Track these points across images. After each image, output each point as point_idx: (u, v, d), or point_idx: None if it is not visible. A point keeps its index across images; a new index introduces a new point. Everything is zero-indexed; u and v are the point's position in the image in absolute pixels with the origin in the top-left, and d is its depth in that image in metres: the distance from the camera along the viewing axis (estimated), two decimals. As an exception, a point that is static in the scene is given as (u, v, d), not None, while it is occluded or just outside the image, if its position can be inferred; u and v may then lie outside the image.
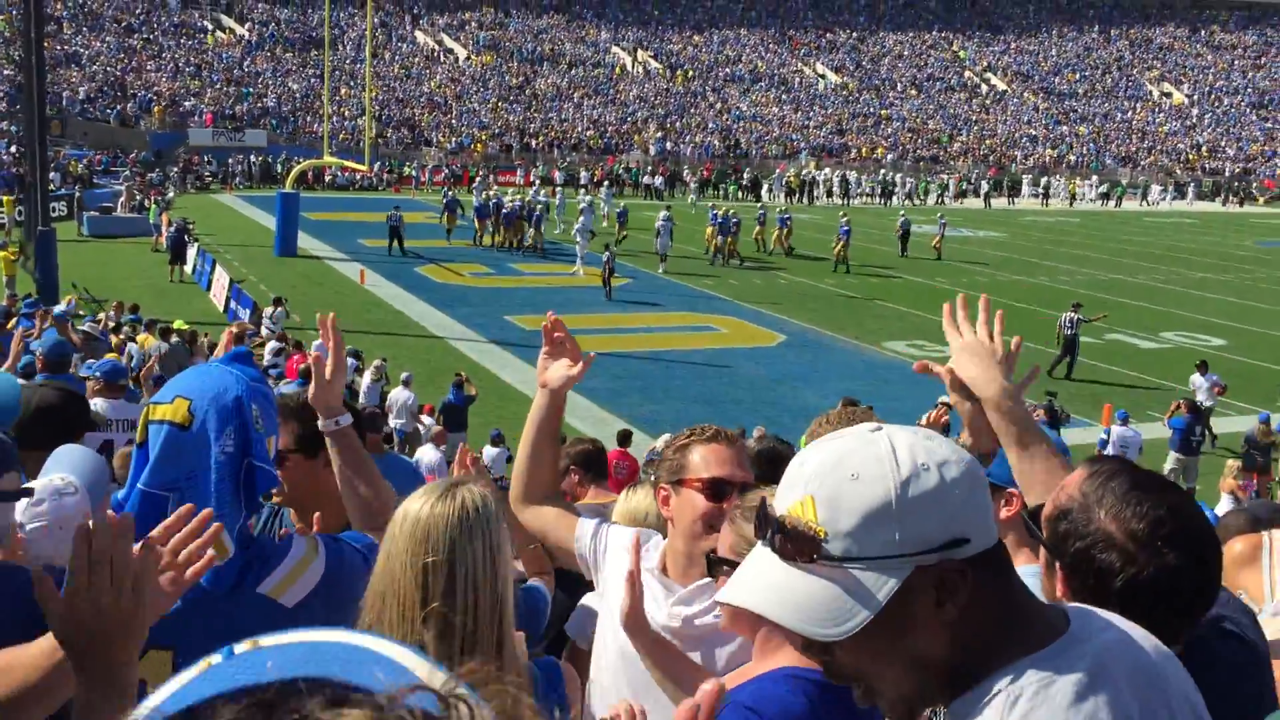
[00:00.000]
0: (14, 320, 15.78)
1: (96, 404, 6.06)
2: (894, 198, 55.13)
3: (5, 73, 46.42)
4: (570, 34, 71.88)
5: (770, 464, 3.56)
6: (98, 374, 6.55)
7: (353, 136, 51.35)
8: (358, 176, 45.63)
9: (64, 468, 2.32)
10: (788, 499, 1.27)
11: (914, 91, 74.05)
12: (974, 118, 71.90)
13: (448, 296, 26.63)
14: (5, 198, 33.20)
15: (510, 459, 13.74)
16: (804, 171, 56.97)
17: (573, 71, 67.44)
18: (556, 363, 2.79)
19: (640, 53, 72.01)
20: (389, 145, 53.63)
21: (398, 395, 15.57)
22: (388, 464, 4.75)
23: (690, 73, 70.57)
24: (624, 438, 13.33)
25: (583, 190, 43.20)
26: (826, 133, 66.27)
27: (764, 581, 1.27)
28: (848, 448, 1.26)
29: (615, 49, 71.79)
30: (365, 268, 28.64)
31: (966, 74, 77.79)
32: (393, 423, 14.36)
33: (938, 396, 18.55)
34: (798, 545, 1.24)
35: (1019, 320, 25.94)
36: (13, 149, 37.58)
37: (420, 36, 67.02)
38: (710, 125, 64.41)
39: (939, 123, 70.09)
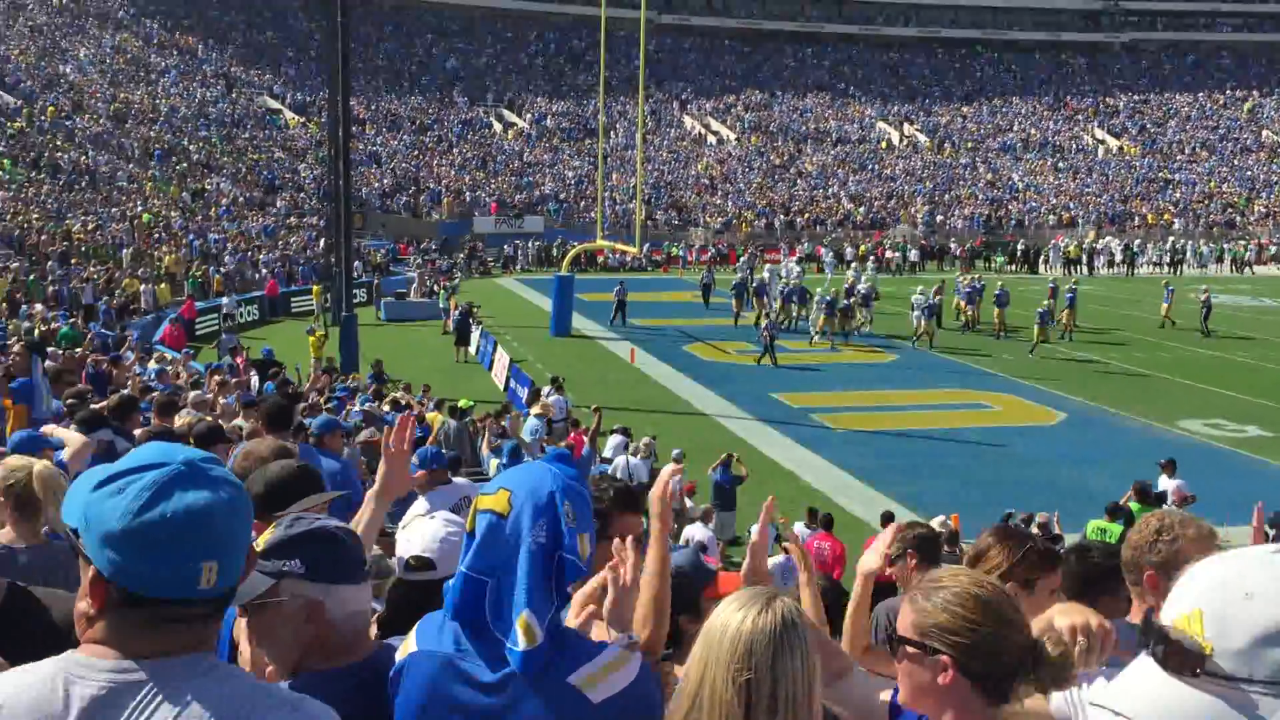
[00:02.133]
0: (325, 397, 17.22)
1: (422, 502, 6.37)
2: (1182, 266, 51.82)
3: (315, 172, 51.09)
4: (835, 111, 72.15)
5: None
6: (421, 464, 6.85)
7: (623, 219, 53.26)
8: (628, 258, 47.16)
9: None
10: (1175, 610, 1.28)
11: (1204, 153, 69.71)
12: (1276, 179, 66.81)
13: (714, 374, 26.96)
14: (315, 286, 36.32)
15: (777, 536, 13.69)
16: (1085, 241, 54.47)
17: (838, 148, 67.56)
18: None
19: (907, 126, 71.33)
20: (658, 227, 55.25)
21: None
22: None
23: (959, 144, 69.26)
24: (887, 519, 13.01)
25: (852, 265, 43.16)
26: (1108, 200, 63.27)
27: (1143, 689, 1.27)
28: (1244, 566, 1.26)
29: (881, 124, 71.44)
30: (635, 346, 29.44)
31: (1265, 133, 72.54)
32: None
33: (1239, 482, 17.19)
34: (1182, 658, 1.24)
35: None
36: (321, 241, 41.21)
37: (688, 121, 69.01)
38: (980, 197, 62.82)
39: (1234, 186, 65.57)
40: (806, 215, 58.95)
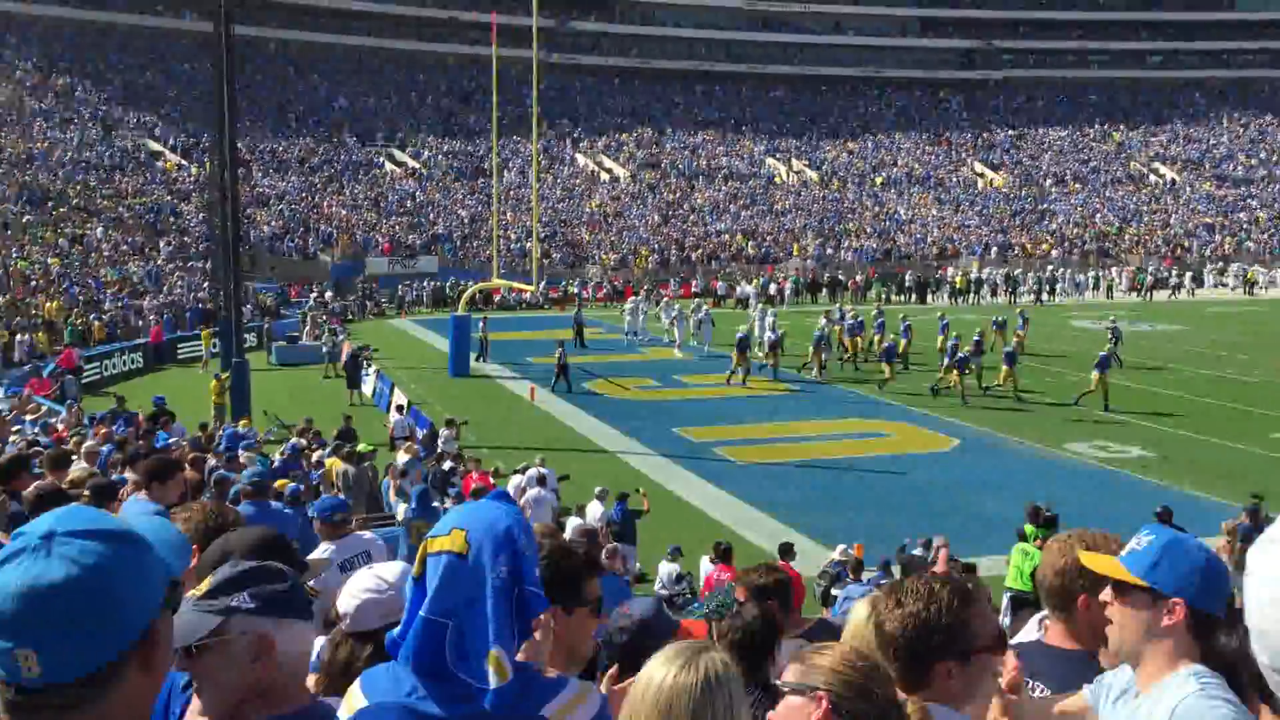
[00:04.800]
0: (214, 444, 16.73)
1: (322, 550, 6.25)
2: (1055, 293, 53.96)
3: (200, 215, 49.95)
4: (725, 148, 73.30)
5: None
6: (321, 515, 6.74)
7: (518, 258, 53.18)
8: (525, 296, 47.07)
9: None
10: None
11: (1077, 185, 72.53)
12: (1144, 209, 69.79)
13: (617, 411, 26.99)
14: (204, 331, 35.43)
15: (682, 575, 13.69)
16: (970, 272, 56.13)
17: (729, 184, 68.58)
18: None
19: (795, 162, 72.78)
20: (553, 264, 55.27)
21: (593, 510, 15.70)
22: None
23: (846, 179, 70.93)
24: (785, 550, 13.08)
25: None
26: (989, 231, 65.32)
27: None
28: None
29: (770, 160, 72.77)
30: (535, 384, 29.34)
31: (1132, 165, 75.82)
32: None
33: (1124, 501, 17.77)
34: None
35: (1208, 418, 24.69)
36: (207, 285, 40.26)
37: (580, 159, 69.38)
38: (869, 230, 64.32)
39: (1106, 215, 68.31)
40: (700, 250, 59.60)
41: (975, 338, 29.88)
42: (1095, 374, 25.98)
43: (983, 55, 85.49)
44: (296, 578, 2.27)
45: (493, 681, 2.01)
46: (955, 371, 27.25)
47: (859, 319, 35.08)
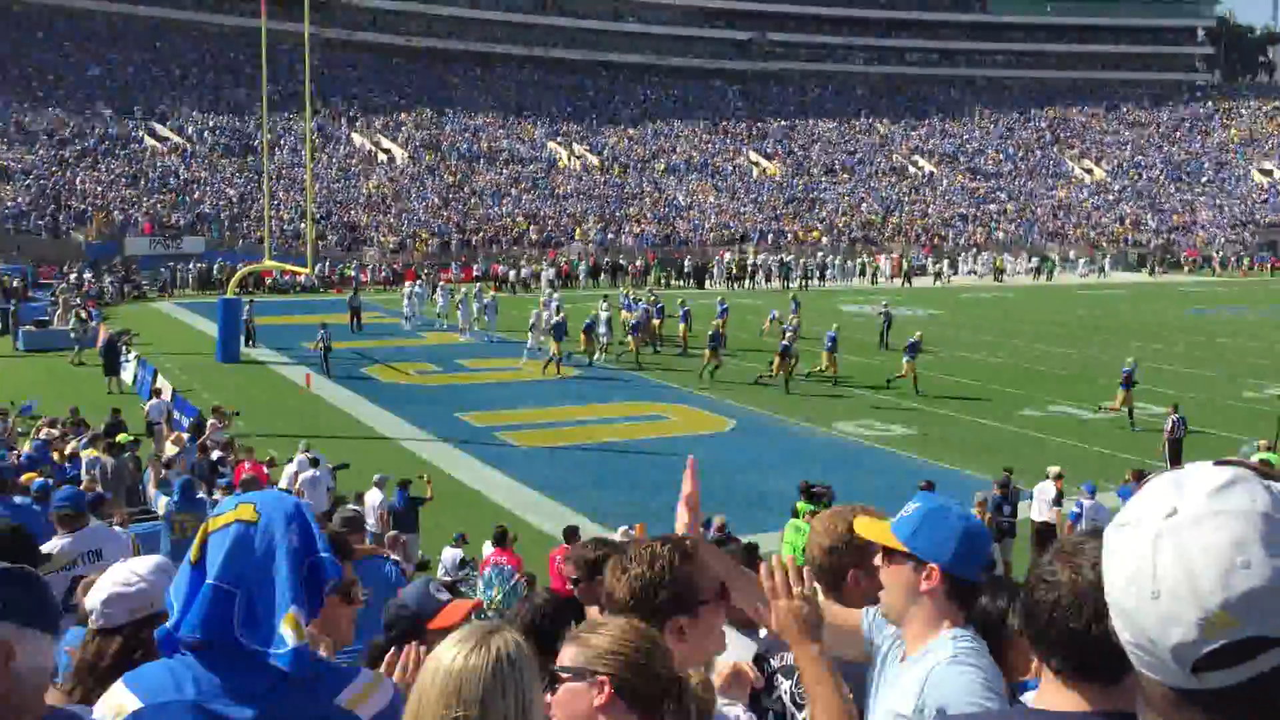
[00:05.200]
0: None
1: (57, 542, 5.91)
2: (826, 279, 56.36)
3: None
4: (506, 131, 72.84)
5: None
6: (55, 506, 6.33)
7: (291, 239, 51.32)
8: (299, 279, 45.45)
9: None
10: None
11: (845, 175, 75.76)
12: (905, 199, 73.57)
13: (396, 396, 26.45)
14: (-62, 315, 32.63)
15: (465, 560, 13.55)
16: (746, 258, 57.76)
17: (510, 167, 68.19)
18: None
19: (577, 146, 73.07)
20: (329, 247, 53.61)
21: (372, 498, 15.28)
22: (365, 569, 4.67)
23: (627, 165, 71.73)
24: (571, 534, 13.15)
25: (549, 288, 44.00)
26: (763, 218, 67.39)
27: None
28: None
29: (551, 144, 72.79)
30: (311, 371, 28.41)
31: (895, 156, 79.81)
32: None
33: (887, 477, 18.60)
34: None
35: (963, 397, 26.25)
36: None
37: (357, 138, 67.50)
38: (649, 215, 65.26)
39: (872, 205, 71.63)
40: (481, 234, 59.06)
41: (784, 327, 29.85)
42: (905, 360, 27.04)
43: (756, 47, 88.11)
44: (42, 583, 2.10)
45: (290, 640, 1.97)
46: (779, 359, 27.82)
47: (659, 304, 35.32)
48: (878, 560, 2.65)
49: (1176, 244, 71.01)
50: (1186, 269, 66.82)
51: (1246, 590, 1.05)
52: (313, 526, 2.11)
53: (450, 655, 1.84)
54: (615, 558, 2.62)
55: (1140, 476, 15.91)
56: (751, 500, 17.38)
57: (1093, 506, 14.48)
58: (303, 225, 46.71)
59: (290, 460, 16.84)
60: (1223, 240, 71.27)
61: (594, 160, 71.85)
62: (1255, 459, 1.65)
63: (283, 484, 16.16)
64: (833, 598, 3.04)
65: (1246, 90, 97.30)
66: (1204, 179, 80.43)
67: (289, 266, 40.58)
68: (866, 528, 2.75)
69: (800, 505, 13.55)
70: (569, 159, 71.55)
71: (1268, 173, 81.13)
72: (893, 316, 34.49)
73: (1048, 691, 1.76)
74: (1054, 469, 16.24)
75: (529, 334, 31.41)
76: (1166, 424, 20.53)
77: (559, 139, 73.64)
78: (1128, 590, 1.12)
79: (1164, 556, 1.09)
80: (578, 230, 61.53)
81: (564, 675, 2.07)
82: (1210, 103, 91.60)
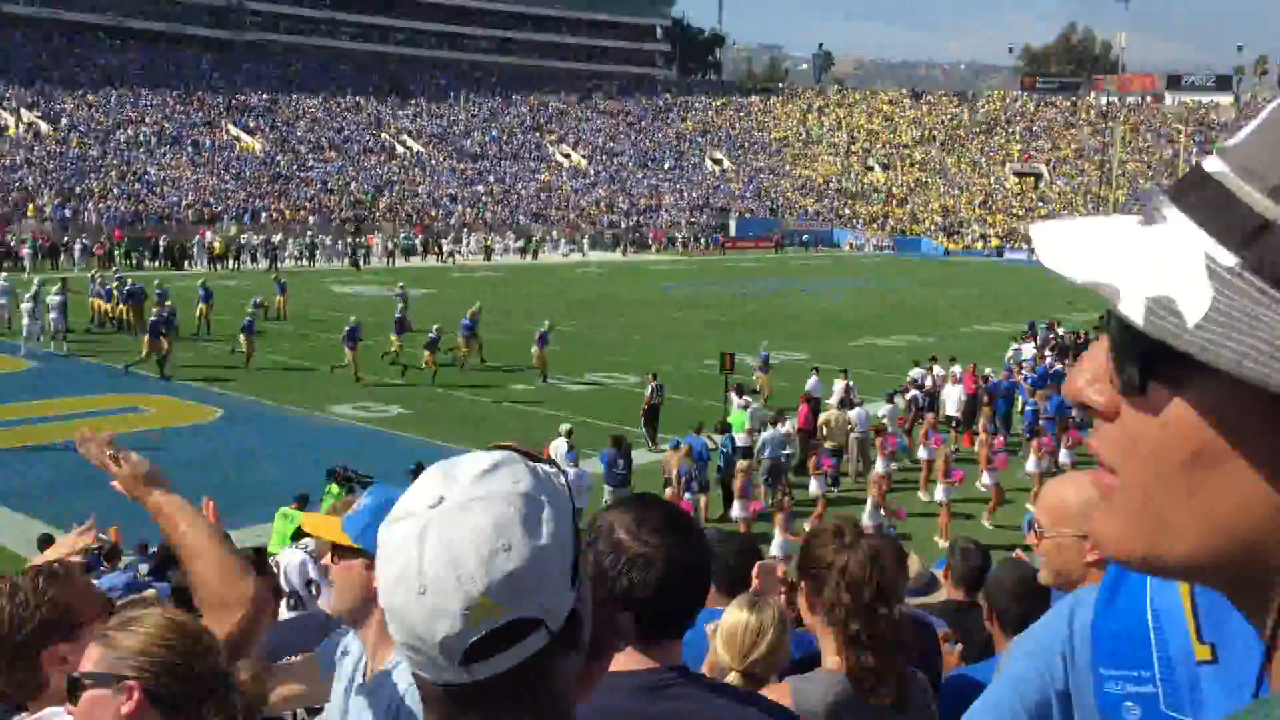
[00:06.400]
0: None
1: None
2: (315, 259, 55.10)
3: None
4: (-64, 91, 63.53)
5: None
6: None
7: None
8: None
9: None
10: None
11: (332, 153, 74.26)
12: (395, 179, 73.55)
13: None
14: None
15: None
16: (233, 237, 54.79)
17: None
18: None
19: (26, 112, 65.32)
20: None
21: None
22: None
23: (87, 134, 65.25)
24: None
25: None
26: (246, 196, 64.30)
27: None
28: None
29: (-5, 108, 64.54)
30: None
31: (384, 136, 79.48)
32: None
33: (384, 457, 18.57)
34: None
35: (458, 373, 26.75)
36: None
37: None
38: (116, 191, 59.85)
39: (362, 184, 70.83)
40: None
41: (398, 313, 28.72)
42: (426, 354, 26.29)
43: (233, 14, 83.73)
44: None
45: None
46: (429, 352, 26.22)
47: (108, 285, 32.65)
48: (326, 559, 2.52)
49: (645, 225, 77.21)
50: (654, 248, 72.89)
51: (508, 572, 1.01)
52: None
53: None
54: None
55: (617, 443, 17.04)
56: (246, 493, 16.54)
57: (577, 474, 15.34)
58: None
59: None
60: (684, 222, 78.59)
61: (48, 128, 64.61)
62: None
63: None
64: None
65: (698, 87, 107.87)
66: (666, 165, 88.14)
67: None
68: (313, 524, 2.63)
69: (333, 489, 13.06)
70: (17, 126, 63.80)
71: (719, 161, 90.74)
72: (408, 296, 33.83)
73: None
74: (565, 426, 17.21)
75: None
76: (647, 390, 22.16)
77: (5, 104, 65.41)
78: (396, 589, 1.05)
79: (429, 548, 1.03)
80: (30, 207, 55.06)
81: (87, 682, 1.83)
82: (669, 95, 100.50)
